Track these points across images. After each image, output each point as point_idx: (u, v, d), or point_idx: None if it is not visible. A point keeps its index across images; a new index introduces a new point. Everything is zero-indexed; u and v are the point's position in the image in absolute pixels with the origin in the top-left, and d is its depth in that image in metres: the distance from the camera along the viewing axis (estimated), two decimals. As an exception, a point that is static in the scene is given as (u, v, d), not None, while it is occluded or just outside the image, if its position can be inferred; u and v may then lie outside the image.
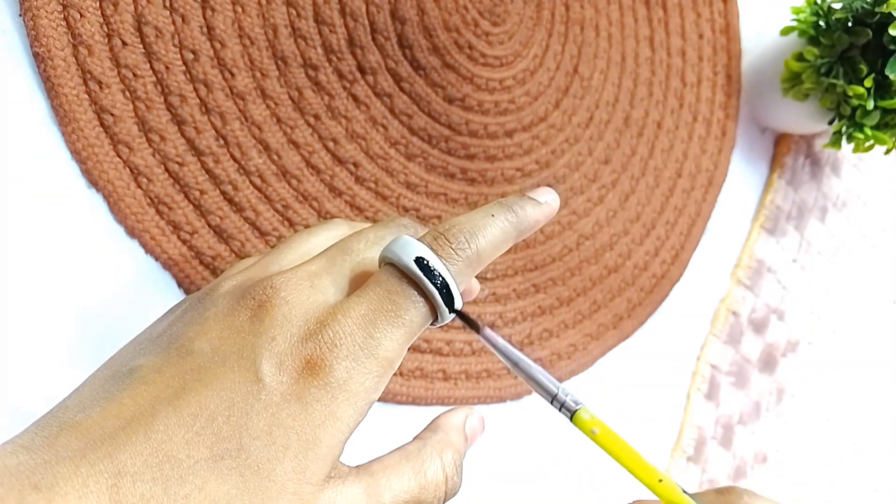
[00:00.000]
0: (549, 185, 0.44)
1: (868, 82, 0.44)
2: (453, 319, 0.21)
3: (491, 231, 0.21)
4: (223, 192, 0.33)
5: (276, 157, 0.34)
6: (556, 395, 0.23)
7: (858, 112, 0.45)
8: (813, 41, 0.47)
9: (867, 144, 0.47)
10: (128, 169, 0.30)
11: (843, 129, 0.48)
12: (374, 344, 0.18)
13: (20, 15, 0.28)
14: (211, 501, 0.15)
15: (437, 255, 0.19)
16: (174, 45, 0.31)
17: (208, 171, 0.32)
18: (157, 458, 0.15)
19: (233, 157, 0.33)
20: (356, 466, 0.19)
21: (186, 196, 0.32)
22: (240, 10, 0.33)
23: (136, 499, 0.15)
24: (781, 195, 0.57)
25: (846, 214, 0.63)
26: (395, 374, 0.32)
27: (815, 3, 0.47)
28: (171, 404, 0.16)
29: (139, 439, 0.15)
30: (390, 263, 0.20)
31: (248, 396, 0.17)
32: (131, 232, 0.31)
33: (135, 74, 0.30)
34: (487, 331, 0.23)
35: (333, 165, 0.36)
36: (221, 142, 0.33)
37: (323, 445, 0.17)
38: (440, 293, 0.19)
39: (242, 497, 0.16)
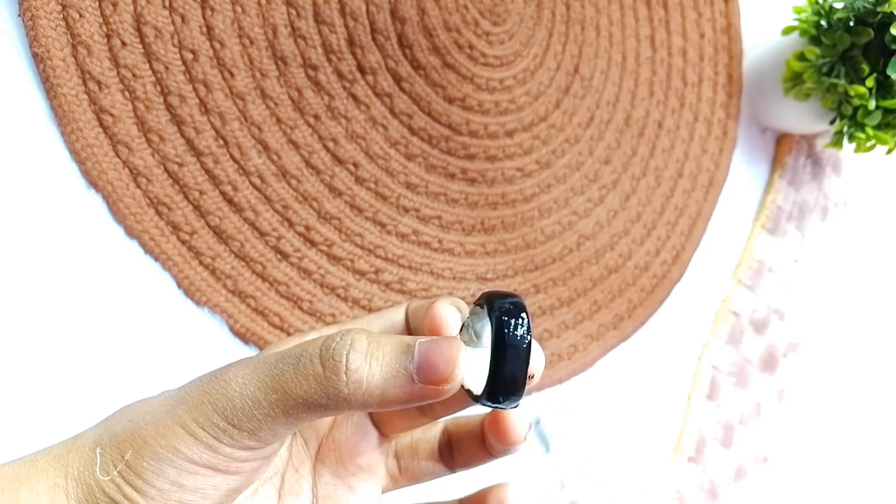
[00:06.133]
0: (549, 185, 0.44)
1: (869, 82, 0.44)
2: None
3: None
4: (223, 193, 0.33)
5: (275, 158, 0.34)
6: None
7: (860, 112, 0.45)
8: (814, 41, 0.47)
9: (869, 144, 0.47)
10: (127, 169, 0.30)
11: (845, 128, 0.47)
12: None
13: (19, 15, 0.28)
14: None
15: None
16: (173, 45, 0.31)
17: (208, 172, 0.32)
18: None
19: (232, 157, 0.33)
20: None
21: (186, 196, 0.32)
22: (239, 9, 0.33)
23: None
24: (782, 195, 0.57)
25: (847, 214, 0.63)
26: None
27: (817, 3, 0.47)
28: None
29: None
30: None
31: None
32: (130, 232, 0.30)
33: (134, 75, 0.30)
34: None
35: (333, 165, 0.36)
36: (221, 142, 0.32)
37: None
38: None
39: None
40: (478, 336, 0.19)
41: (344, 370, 0.17)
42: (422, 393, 0.18)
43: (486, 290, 0.19)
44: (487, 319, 0.19)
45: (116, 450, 0.17)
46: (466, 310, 0.21)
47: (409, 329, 0.23)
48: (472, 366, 0.19)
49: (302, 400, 0.17)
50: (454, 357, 0.18)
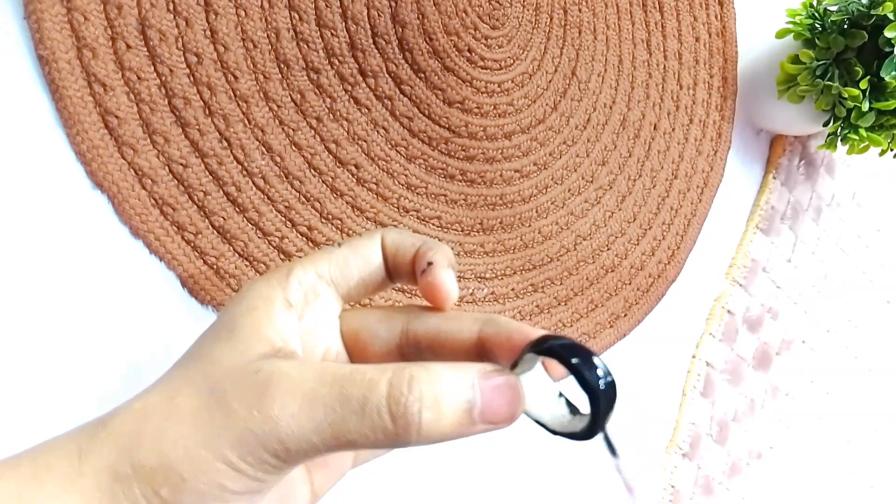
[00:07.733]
0: (547, 186, 0.45)
1: (863, 84, 0.44)
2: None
3: None
4: (226, 194, 0.33)
5: (278, 159, 0.34)
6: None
7: (853, 114, 0.46)
8: (808, 43, 0.47)
9: (862, 146, 0.48)
10: (132, 170, 0.31)
11: (838, 130, 0.48)
12: None
13: (24, 18, 0.28)
14: None
15: None
16: (178, 49, 0.31)
17: (212, 173, 0.33)
18: None
19: (236, 158, 0.33)
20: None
21: (190, 197, 0.32)
22: (242, 13, 0.33)
23: None
24: (776, 196, 0.58)
25: (840, 215, 0.64)
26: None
27: (811, 6, 0.48)
28: None
29: None
30: None
31: None
32: (136, 233, 0.31)
33: (139, 77, 0.31)
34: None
35: (335, 167, 0.36)
36: (225, 144, 0.33)
37: None
38: None
39: None
40: (529, 369, 0.20)
41: (416, 428, 0.17)
42: (482, 431, 0.18)
43: (539, 337, 0.19)
44: (537, 359, 0.19)
45: (146, 484, 0.16)
46: (455, 261, 0.22)
47: (388, 265, 0.22)
48: (528, 394, 0.19)
49: (365, 447, 0.17)
50: (517, 399, 0.18)
